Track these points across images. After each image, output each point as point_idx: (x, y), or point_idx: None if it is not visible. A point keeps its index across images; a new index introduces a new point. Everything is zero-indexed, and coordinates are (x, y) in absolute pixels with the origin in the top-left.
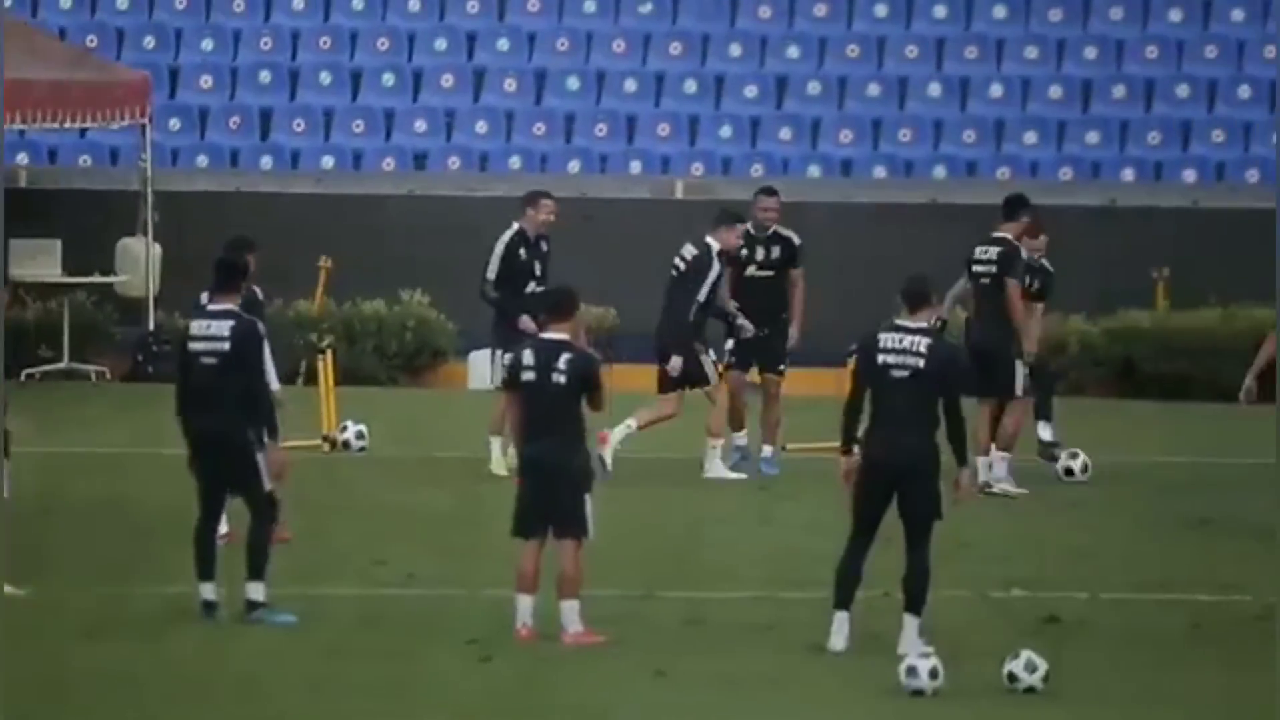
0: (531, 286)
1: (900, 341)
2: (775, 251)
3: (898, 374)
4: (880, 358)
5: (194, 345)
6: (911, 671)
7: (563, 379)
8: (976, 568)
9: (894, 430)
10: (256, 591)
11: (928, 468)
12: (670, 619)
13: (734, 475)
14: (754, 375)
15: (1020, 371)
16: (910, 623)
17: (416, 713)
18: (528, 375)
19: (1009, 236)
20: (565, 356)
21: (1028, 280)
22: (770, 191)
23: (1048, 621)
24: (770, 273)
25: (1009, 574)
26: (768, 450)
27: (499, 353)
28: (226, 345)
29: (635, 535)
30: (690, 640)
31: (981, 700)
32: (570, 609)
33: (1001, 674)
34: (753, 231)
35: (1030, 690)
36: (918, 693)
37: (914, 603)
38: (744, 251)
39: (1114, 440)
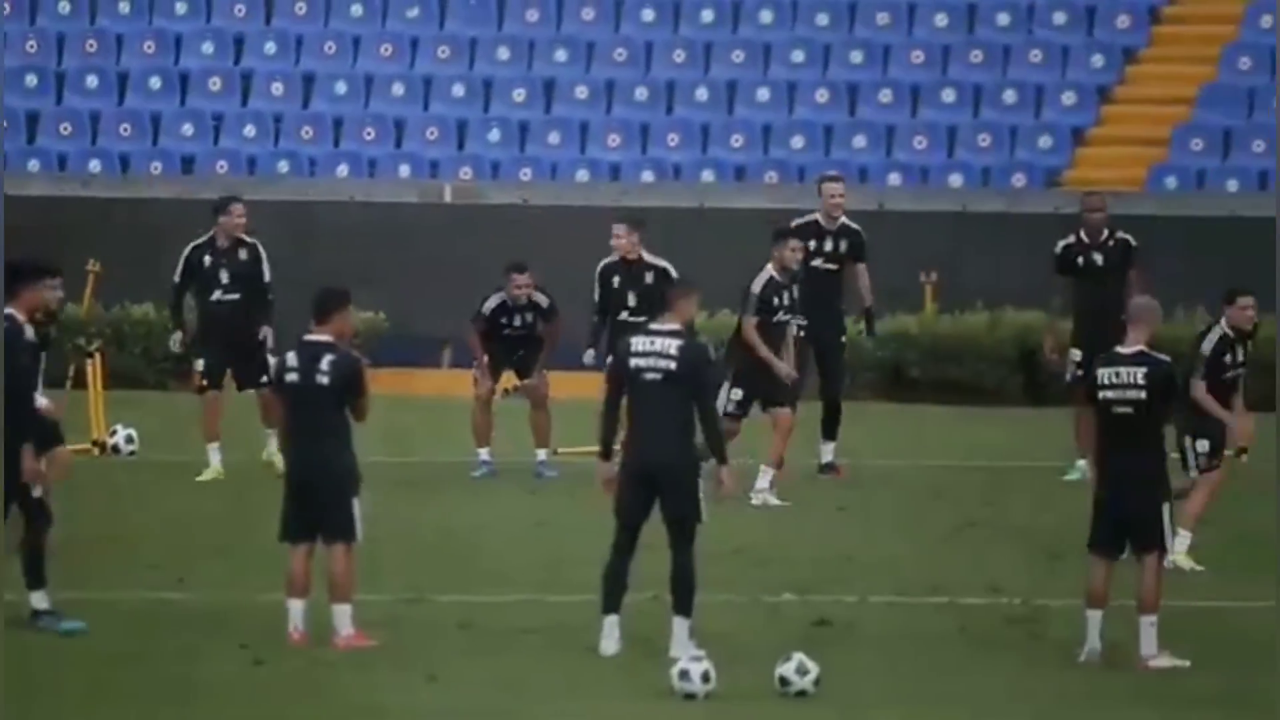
0: (218, 295)
1: (651, 344)
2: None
3: (650, 376)
4: (632, 361)
5: None
6: (684, 675)
7: (325, 380)
8: (747, 572)
9: (649, 433)
10: (39, 600)
11: (684, 470)
12: (442, 622)
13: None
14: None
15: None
16: (680, 625)
17: (191, 716)
18: (291, 376)
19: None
20: (329, 358)
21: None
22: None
23: (818, 625)
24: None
25: (780, 578)
26: (542, 454)
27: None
28: None
29: (406, 538)
30: (462, 644)
31: (754, 703)
32: (342, 612)
33: (774, 677)
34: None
35: (802, 693)
36: (690, 696)
37: (681, 605)
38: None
39: (882, 444)
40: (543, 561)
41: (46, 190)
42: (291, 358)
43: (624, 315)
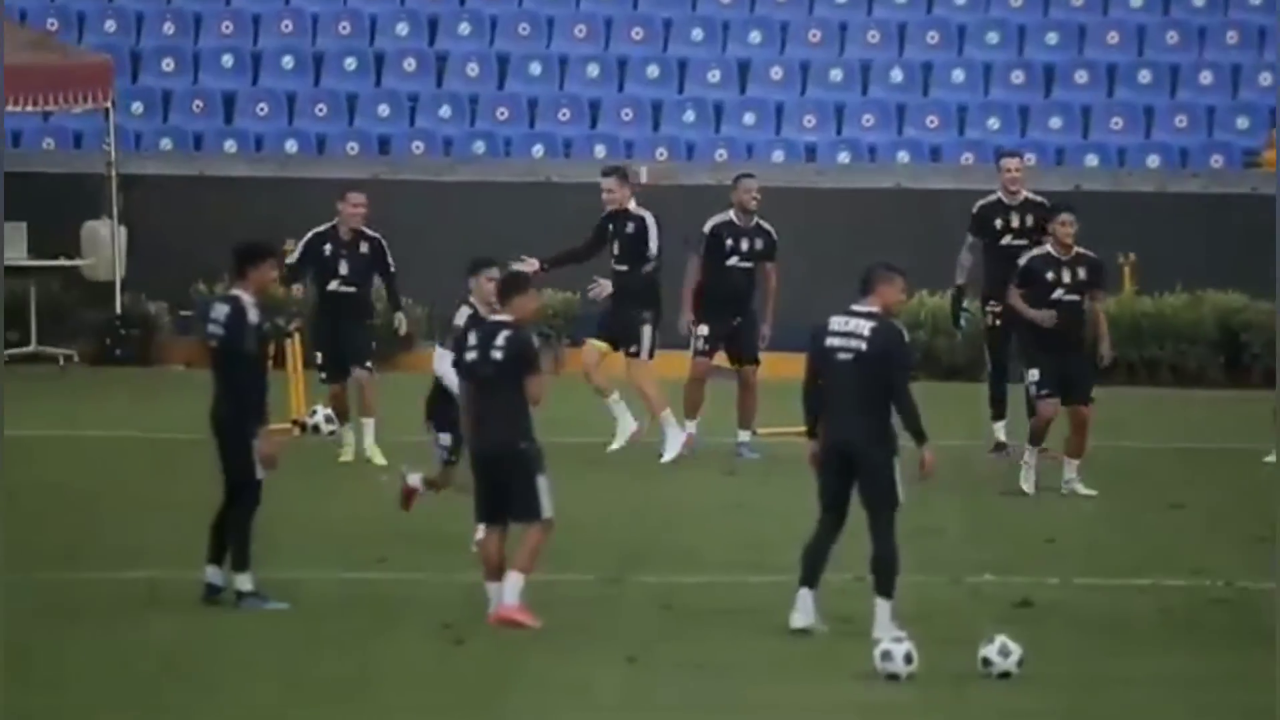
0: (335, 285)
1: (846, 324)
2: (758, 243)
3: (842, 357)
4: (827, 340)
5: (210, 328)
6: (886, 656)
7: (500, 357)
8: (948, 553)
9: (842, 414)
10: (244, 582)
11: (877, 452)
12: (643, 603)
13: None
14: (721, 360)
15: None
16: (882, 607)
17: (392, 697)
18: (470, 355)
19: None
20: (504, 335)
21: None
22: (750, 175)
23: (1020, 606)
24: (750, 264)
25: (981, 559)
26: (744, 435)
27: None
28: (222, 330)
29: (606, 519)
30: (663, 625)
31: (956, 685)
32: (513, 580)
33: (976, 658)
34: (735, 220)
35: (1004, 675)
36: (893, 677)
37: (882, 587)
38: (728, 241)
39: (1098, 429)
40: (743, 543)
41: (244, 171)
42: (471, 337)
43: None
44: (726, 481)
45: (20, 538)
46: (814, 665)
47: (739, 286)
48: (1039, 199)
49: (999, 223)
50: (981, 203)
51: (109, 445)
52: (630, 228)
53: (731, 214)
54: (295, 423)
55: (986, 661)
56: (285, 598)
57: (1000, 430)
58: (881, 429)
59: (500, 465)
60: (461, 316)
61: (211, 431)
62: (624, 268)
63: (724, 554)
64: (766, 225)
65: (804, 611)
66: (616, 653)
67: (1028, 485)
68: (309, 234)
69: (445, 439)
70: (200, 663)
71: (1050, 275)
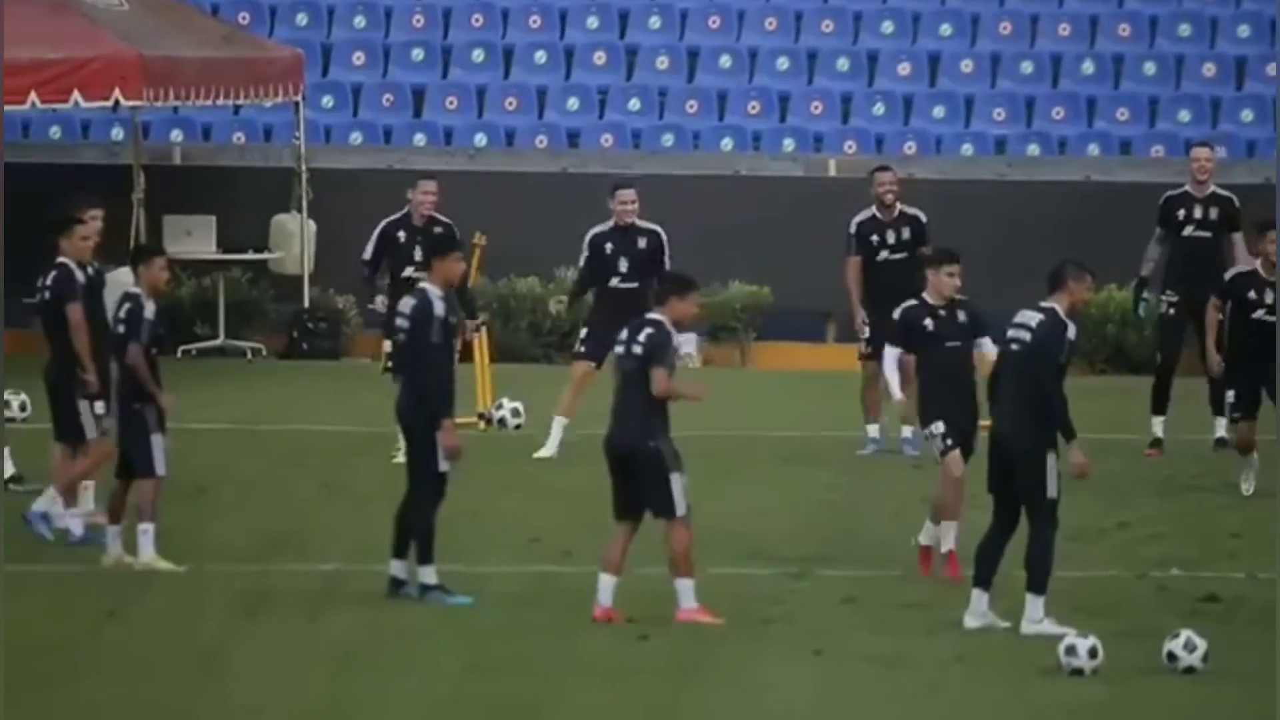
0: (410, 271)
1: (1022, 317)
2: (904, 233)
3: (1012, 349)
4: (1009, 332)
5: (398, 321)
6: (1071, 651)
7: (639, 351)
8: (1134, 547)
9: (1000, 408)
10: (428, 575)
11: (1028, 446)
12: (827, 597)
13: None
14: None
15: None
16: (1032, 602)
17: (578, 692)
18: (618, 349)
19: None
20: (646, 332)
21: None
22: (886, 168)
23: (1206, 601)
24: (903, 255)
25: (1166, 553)
26: (907, 430)
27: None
28: (408, 324)
29: (792, 513)
30: (848, 618)
31: (1142, 679)
32: (683, 587)
33: (1162, 653)
34: (878, 215)
35: (1190, 670)
36: (1077, 672)
37: (1033, 582)
38: (874, 238)
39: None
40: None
41: (433, 164)
42: (624, 333)
43: (614, 282)
44: (913, 475)
45: (212, 531)
46: (999, 660)
47: (892, 280)
48: (1227, 194)
49: (1182, 213)
50: (1169, 194)
51: (297, 438)
52: (643, 243)
53: (874, 210)
54: (481, 416)
55: (1172, 656)
56: (472, 592)
57: (1159, 426)
58: (1035, 423)
59: (631, 463)
60: None
61: (398, 424)
62: (633, 285)
63: (909, 548)
64: (912, 211)
65: (976, 613)
66: (803, 646)
67: (1246, 486)
68: (382, 223)
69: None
70: (380, 655)
71: (1253, 294)
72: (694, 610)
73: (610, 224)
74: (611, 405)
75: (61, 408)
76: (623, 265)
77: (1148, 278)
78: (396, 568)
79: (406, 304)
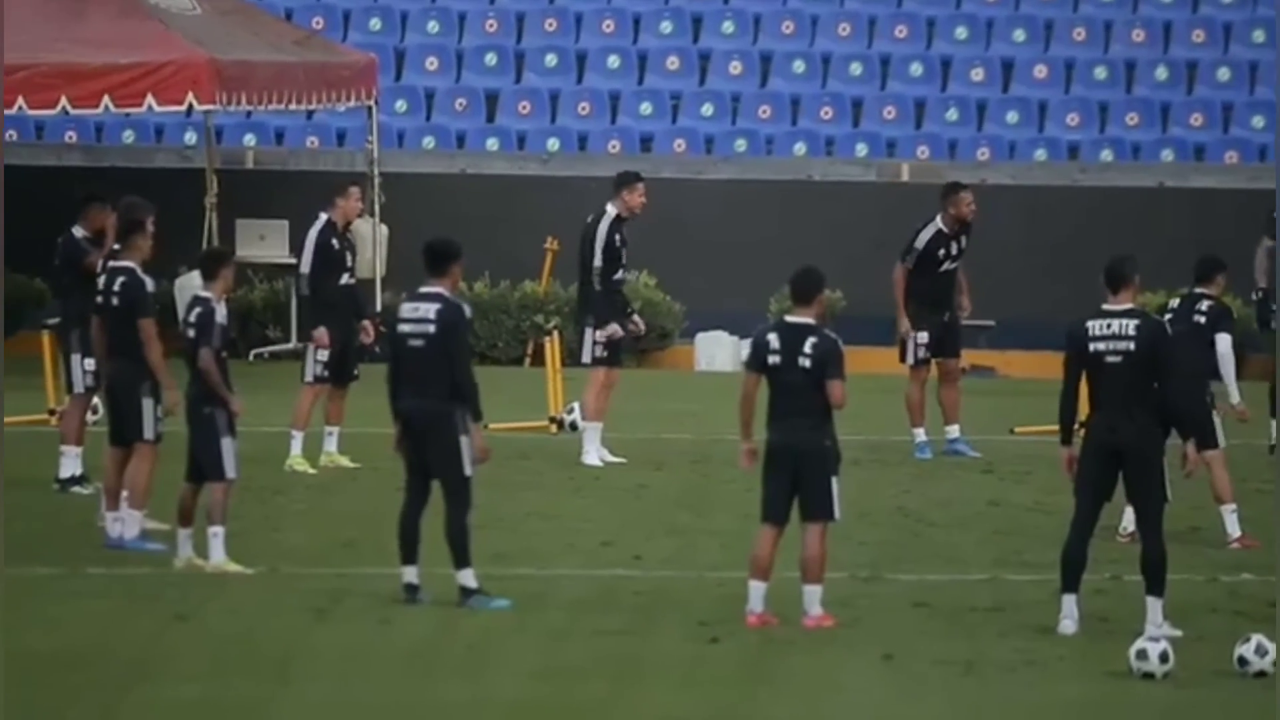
0: (346, 279)
1: (1108, 327)
2: (962, 242)
3: (1111, 360)
4: (1092, 346)
5: (402, 327)
6: (1141, 655)
7: (807, 363)
8: (1205, 551)
9: (1113, 414)
10: (467, 578)
11: (1148, 450)
12: (898, 601)
13: (603, 460)
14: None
15: None
16: (1153, 605)
17: (649, 696)
18: (773, 359)
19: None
20: (811, 340)
21: None
22: (966, 186)
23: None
24: (957, 264)
25: (1239, 558)
26: (953, 430)
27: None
28: (433, 328)
29: (862, 516)
30: (918, 622)
31: (1212, 684)
32: (811, 593)
33: (1232, 657)
34: (946, 229)
35: (1261, 674)
36: (1148, 676)
37: (1152, 585)
38: (940, 251)
39: None
40: (996, 540)
41: (505, 169)
42: (774, 339)
43: (619, 275)
44: (984, 479)
45: (285, 534)
46: (1069, 663)
47: (947, 288)
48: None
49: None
50: None
51: (370, 441)
52: (626, 234)
53: (941, 223)
54: (552, 420)
55: (1243, 660)
56: (542, 595)
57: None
58: (1152, 426)
59: (802, 463)
60: None
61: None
62: (629, 276)
63: (979, 552)
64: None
65: (1072, 618)
66: (873, 650)
67: None
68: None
69: None
70: (452, 657)
71: None
72: (821, 616)
73: (615, 214)
74: (774, 407)
75: (124, 409)
76: (625, 258)
77: (1267, 289)
78: (410, 574)
79: (429, 309)
